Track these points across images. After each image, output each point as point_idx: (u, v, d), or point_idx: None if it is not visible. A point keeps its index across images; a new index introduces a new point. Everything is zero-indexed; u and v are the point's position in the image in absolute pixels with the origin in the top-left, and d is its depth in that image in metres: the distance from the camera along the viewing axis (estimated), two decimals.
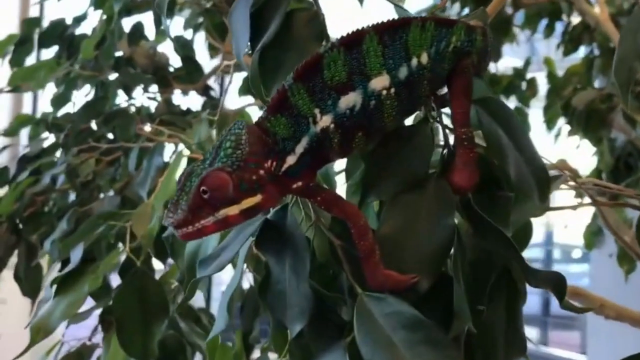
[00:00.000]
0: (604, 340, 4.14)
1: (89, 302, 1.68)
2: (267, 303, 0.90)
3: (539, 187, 0.90)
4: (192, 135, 1.89)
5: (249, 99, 2.79)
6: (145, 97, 2.71)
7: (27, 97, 4.23)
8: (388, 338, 0.76)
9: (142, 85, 2.67)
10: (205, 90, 2.91)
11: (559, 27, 3.58)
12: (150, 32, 2.68)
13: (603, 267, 3.94)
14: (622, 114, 2.97)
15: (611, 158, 3.06)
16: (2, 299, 3.76)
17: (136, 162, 2.11)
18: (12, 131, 2.61)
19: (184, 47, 2.68)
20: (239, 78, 2.82)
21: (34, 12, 4.12)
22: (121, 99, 2.61)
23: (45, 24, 2.65)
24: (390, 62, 0.84)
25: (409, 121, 0.96)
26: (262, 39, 0.91)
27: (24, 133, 2.70)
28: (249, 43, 0.92)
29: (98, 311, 1.78)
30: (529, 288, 0.95)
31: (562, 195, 3.78)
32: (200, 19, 2.70)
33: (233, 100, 3.08)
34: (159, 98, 2.73)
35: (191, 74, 2.79)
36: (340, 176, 1.16)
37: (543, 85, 3.75)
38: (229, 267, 0.96)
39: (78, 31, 2.60)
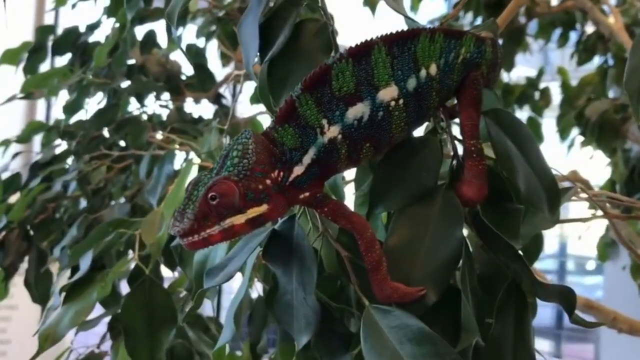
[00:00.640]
0: (618, 353, 4.10)
1: (98, 310, 1.68)
2: (274, 314, 0.89)
3: (548, 200, 0.89)
4: (202, 144, 1.89)
5: (261, 107, 2.79)
6: (157, 105, 2.72)
7: (41, 104, 4.26)
8: (395, 351, 0.75)
9: (154, 93, 2.68)
10: (217, 99, 2.91)
11: (573, 36, 3.56)
12: (162, 40, 2.69)
13: (617, 280, 3.90)
14: (638, 125, 2.95)
15: (625, 169, 3.04)
16: (13, 304, 3.76)
17: (147, 169, 2.11)
18: (24, 138, 2.63)
19: (196, 56, 2.69)
20: (250, 87, 2.83)
21: (48, 19, 4.15)
22: (133, 106, 2.62)
23: (59, 31, 2.66)
24: (399, 73, 0.84)
25: (417, 132, 0.95)
26: (271, 49, 0.91)
27: (37, 140, 2.72)
28: (258, 53, 0.92)
29: (107, 319, 1.78)
30: (542, 301, 0.94)
31: (575, 207, 3.76)
32: (213, 27, 2.71)
33: (245, 109, 3.09)
34: (170, 106, 2.73)
35: (203, 82, 2.80)
36: (349, 187, 1.15)
37: (556, 95, 3.73)
38: (239, 275, 0.96)
39: (91, 39, 2.62)
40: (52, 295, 2.21)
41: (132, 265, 1.62)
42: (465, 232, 0.87)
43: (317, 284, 0.88)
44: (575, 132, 3.47)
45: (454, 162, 0.93)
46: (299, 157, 0.83)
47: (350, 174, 1.02)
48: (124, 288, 1.85)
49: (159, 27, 2.66)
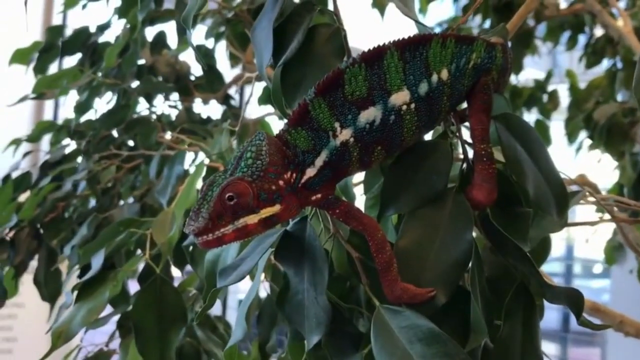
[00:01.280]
0: (625, 357, 4.09)
1: (107, 308, 1.69)
2: (285, 314, 0.91)
3: (557, 204, 0.90)
4: (212, 145, 1.90)
5: (269, 108, 2.81)
6: (166, 105, 2.73)
7: (49, 104, 4.28)
8: (405, 351, 0.76)
9: (163, 94, 2.70)
10: (225, 99, 2.92)
11: (582, 39, 3.57)
12: (172, 41, 2.71)
13: (624, 283, 3.90)
14: None
15: (633, 172, 3.03)
16: (19, 302, 3.77)
17: (157, 169, 2.13)
18: (34, 137, 2.64)
19: (205, 56, 2.71)
20: (259, 87, 2.84)
21: (56, 20, 4.17)
22: (142, 106, 2.63)
23: (68, 32, 2.68)
24: (411, 78, 0.85)
25: (428, 136, 0.96)
26: (284, 53, 0.92)
27: (45, 139, 2.73)
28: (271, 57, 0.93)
29: (115, 317, 1.80)
30: (548, 304, 0.94)
31: (583, 210, 3.75)
32: (222, 29, 2.72)
33: (253, 109, 3.10)
34: (179, 106, 2.75)
35: (212, 83, 2.81)
36: (358, 188, 1.17)
37: (564, 98, 3.74)
38: None
39: (100, 39, 2.63)
40: (62, 293, 2.23)
41: (142, 265, 1.63)
42: (474, 234, 0.88)
43: (327, 285, 0.89)
44: (583, 135, 3.47)
45: (464, 165, 0.94)
46: (311, 160, 0.84)
47: (358, 176, 1.03)
48: (132, 287, 1.87)
49: (169, 28, 2.67)
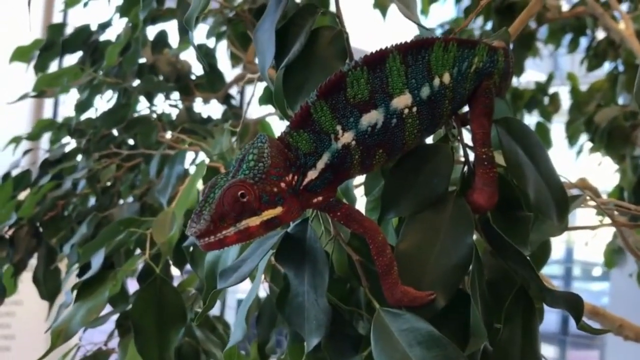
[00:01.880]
0: None
1: (106, 307, 1.69)
2: (285, 315, 0.91)
3: (557, 208, 0.90)
4: (213, 145, 1.90)
5: (269, 108, 2.81)
6: (166, 105, 2.73)
7: (48, 102, 4.28)
8: (404, 354, 0.76)
9: (164, 93, 2.70)
10: (226, 99, 2.93)
11: (583, 42, 3.57)
12: (173, 40, 2.70)
13: (623, 287, 3.90)
14: None
15: (634, 176, 3.03)
16: (18, 300, 3.77)
17: (157, 169, 2.13)
18: (34, 135, 2.64)
19: (206, 56, 2.71)
20: (259, 87, 2.83)
21: (57, 18, 4.17)
22: (142, 105, 2.63)
23: (69, 30, 2.68)
24: (413, 81, 0.85)
25: (429, 139, 0.96)
26: (286, 56, 0.92)
27: (44, 137, 2.73)
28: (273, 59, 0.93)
29: (114, 316, 1.79)
30: (548, 307, 0.95)
31: (583, 213, 3.75)
32: (223, 28, 2.72)
33: (254, 109, 3.10)
34: (180, 106, 2.75)
35: (213, 83, 2.81)
36: (359, 190, 1.16)
37: (566, 101, 3.74)
38: None
39: (102, 38, 2.63)
40: (61, 292, 2.23)
41: (142, 264, 1.63)
42: (474, 237, 0.88)
43: (327, 287, 0.89)
44: (584, 138, 3.47)
45: (465, 169, 0.94)
46: (313, 162, 0.84)
47: (359, 178, 1.03)
48: (131, 287, 1.87)
49: (170, 27, 2.68)
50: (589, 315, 1.69)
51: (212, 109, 2.94)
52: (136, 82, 2.60)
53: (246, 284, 1.06)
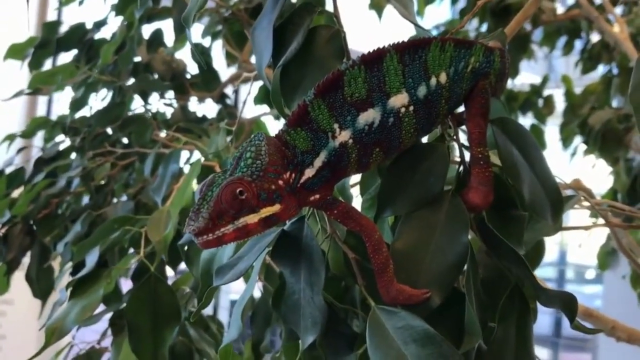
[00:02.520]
0: None
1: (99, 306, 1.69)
2: (280, 313, 0.91)
3: (552, 208, 0.90)
4: (209, 144, 1.90)
5: (265, 108, 2.81)
6: (161, 103, 2.73)
7: (42, 100, 4.26)
8: (399, 351, 0.77)
9: (158, 92, 2.69)
10: (221, 98, 2.92)
11: (578, 45, 3.58)
12: (169, 39, 2.70)
13: (616, 289, 3.91)
14: None
15: (627, 178, 3.05)
16: (9, 299, 3.75)
17: (151, 168, 2.12)
18: (29, 133, 2.63)
19: (201, 55, 2.70)
20: (255, 86, 2.83)
21: (52, 16, 4.16)
22: (137, 104, 2.62)
23: (64, 28, 2.67)
24: (410, 80, 0.85)
25: (425, 139, 0.97)
26: (284, 55, 0.92)
27: (38, 135, 2.72)
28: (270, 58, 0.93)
29: (107, 315, 1.79)
30: (541, 308, 0.95)
31: (576, 215, 3.77)
32: (219, 27, 2.72)
33: (249, 108, 3.10)
34: (175, 105, 2.74)
35: (208, 82, 2.81)
36: (355, 189, 1.17)
37: (560, 103, 3.75)
38: None
39: (97, 36, 2.63)
40: (54, 290, 2.22)
41: (135, 263, 1.63)
42: (469, 236, 0.88)
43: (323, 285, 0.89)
44: (578, 140, 3.49)
45: (461, 168, 0.95)
46: (310, 160, 0.84)
47: (356, 176, 1.03)
48: (125, 285, 1.86)
49: (165, 26, 2.67)
50: (582, 316, 1.70)
51: (207, 108, 2.94)
52: (131, 81, 2.60)
53: (240, 284, 1.06)
